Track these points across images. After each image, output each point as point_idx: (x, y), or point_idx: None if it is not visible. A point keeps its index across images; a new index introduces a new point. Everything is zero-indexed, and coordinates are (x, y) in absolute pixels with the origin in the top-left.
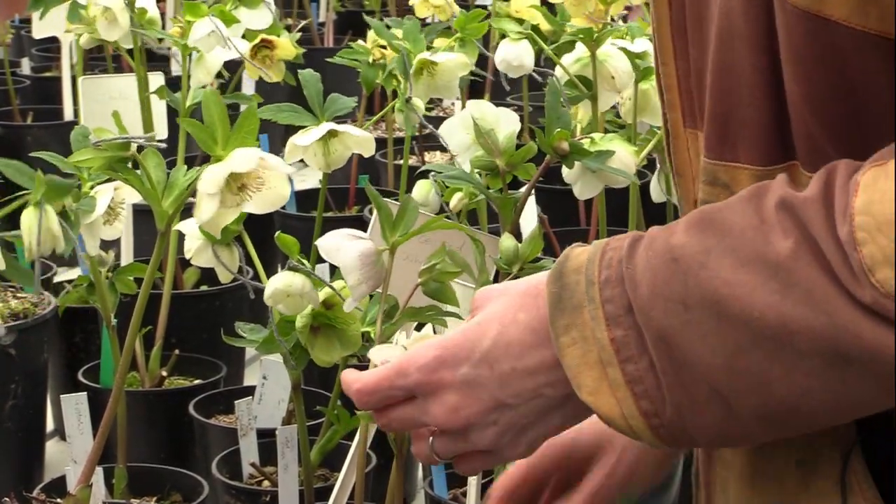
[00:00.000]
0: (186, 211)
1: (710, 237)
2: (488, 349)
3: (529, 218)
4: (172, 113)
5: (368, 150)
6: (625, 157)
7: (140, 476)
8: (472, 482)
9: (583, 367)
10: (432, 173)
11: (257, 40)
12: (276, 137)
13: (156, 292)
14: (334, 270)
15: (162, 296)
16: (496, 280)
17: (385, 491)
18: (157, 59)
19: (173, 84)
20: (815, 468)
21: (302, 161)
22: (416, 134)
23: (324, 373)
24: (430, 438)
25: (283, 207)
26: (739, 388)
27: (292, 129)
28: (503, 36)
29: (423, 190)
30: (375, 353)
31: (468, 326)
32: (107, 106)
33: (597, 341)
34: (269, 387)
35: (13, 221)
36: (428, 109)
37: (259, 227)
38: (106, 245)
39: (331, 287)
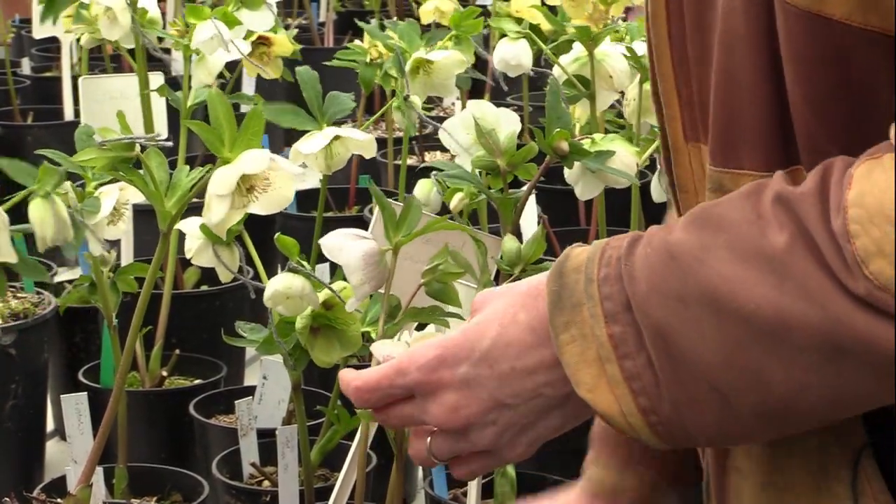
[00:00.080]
0: (189, 211)
1: (707, 233)
2: (488, 349)
3: (530, 218)
4: (172, 113)
5: (370, 152)
6: (626, 157)
7: (140, 476)
8: (473, 482)
9: (581, 365)
10: (434, 172)
11: (254, 37)
12: (276, 137)
13: (156, 292)
14: (334, 271)
15: (162, 295)
16: (497, 279)
17: (385, 491)
18: (157, 59)
19: (173, 84)
20: (827, 473)
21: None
22: (416, 133)
23: (324, 373)
24: (429, 439)
25: (284, 207)
26: (737, 385)
27: (293, 129)
28: (503, 36)
29: (424, 189)
30: (377, 349)
31: (468, 326)
32: (107, 106)
33: (595, 338)
34: (269, 387)
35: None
36: (428, 109)
37: (259, 227)
38: (107, 245)
39: (330, 289)
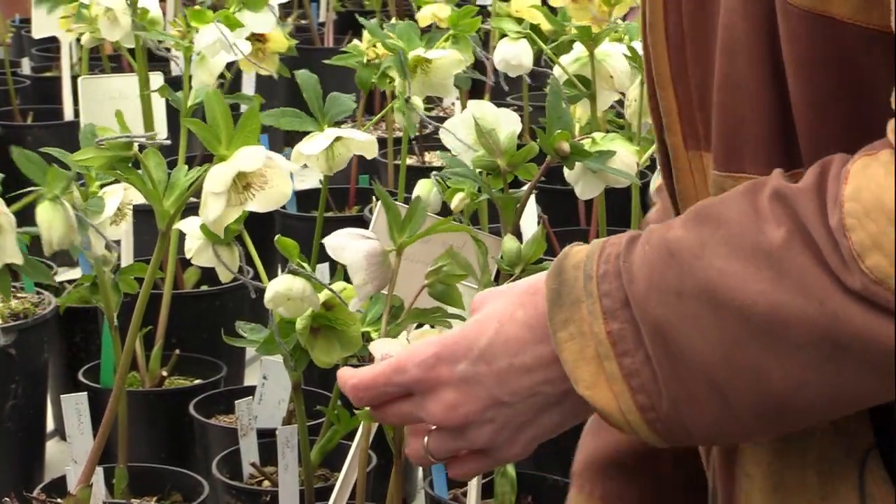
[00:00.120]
0: (187, 210)
1: (705, 230)
2: (486, 346)
3: (530, 218)
4: (172, 113)
5: (371, 153)
6: (626, 157)
7: (140, 476)
8: (473, 482)
9: (580, 362)
10: (434, 172)
11: (244, 33)
12: (276, 137)
13: (156, 292)
14: (334, 272)
15: (162, 296)
16: (497, 280)
17: (385, 491)
18: (157, 59)
19: (173, 84)
20: (835, 476)
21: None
22: (416, 134)
23: (324, 373)
24: (426, 438)
25: (284, 207)
26: (735, 381)
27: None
28: (503, 36)
29: (424, 189)
30: (377, 347)
31: (467, 324)
32: (107, 106)
33: (594, 335)
34: (269, 387)
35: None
36: (428, 109)
37: (259, 227)
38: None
39: (331, 290)
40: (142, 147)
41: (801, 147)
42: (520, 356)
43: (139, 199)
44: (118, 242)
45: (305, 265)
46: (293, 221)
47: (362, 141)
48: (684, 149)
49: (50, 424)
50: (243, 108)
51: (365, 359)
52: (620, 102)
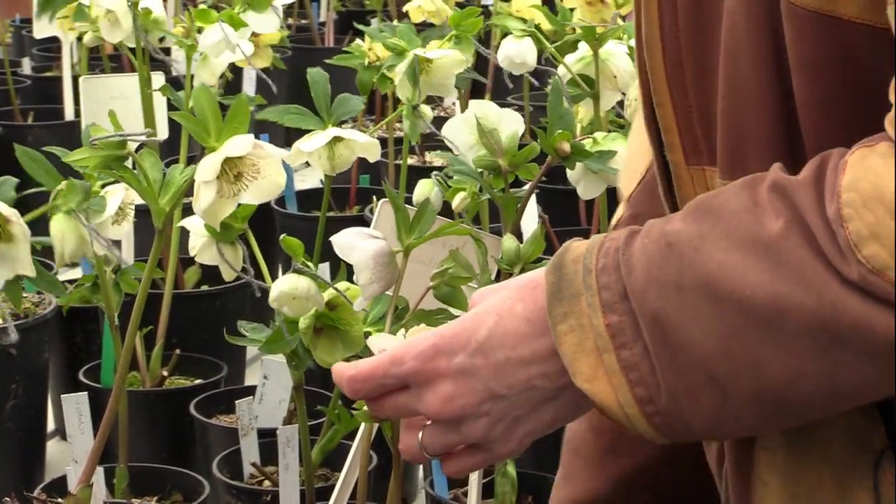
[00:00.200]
0: (189, 210)
1: (704, 222)
2: (484, 339)
3: (530, 218)
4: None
5: (374, 155)
6: None
7: (141, 476)
8: (473, 482)
9: (579, 355)
10: (434, 172)
11: (249, 33)
12: (276, 136)
13: (157, 292)
14: (336, 272)
15: (163, 295)
16: (498, 279)
17: (386, 491)
18: (158, 59)
19: (173, 84)
20: (850, 480)
21: (304, 161)
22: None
23: (325, 373)
24: (420, 433)
25: (284, 207)
26: (734, 373)
27: (293, 129)
28: (504, 35)
29: (425, 189)
30: (374, 342)
31: (466, 317)
32: (107, 106)
33: (593, 328)
34: (269, 386)
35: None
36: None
37: (260, 227)
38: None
39: (336, 289)
40: (140, 146)
41: (806, 148)
42: (518, 349)
43: (139, 198)
44: (116, 242)
45: (310, 264)
46: (294, 221)
47: (363, 143)
48: (686, 165)
49: (50, 424)
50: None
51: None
52: (621, 103)
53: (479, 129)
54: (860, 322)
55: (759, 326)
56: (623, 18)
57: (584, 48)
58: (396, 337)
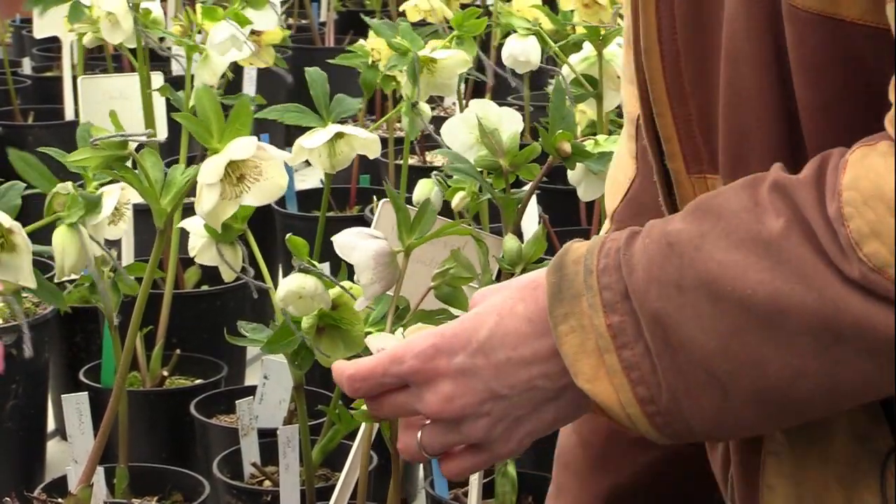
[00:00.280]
0: (189, 209)
1: (705, 222)
2: (485, 339)
3: (531, 218)
4: (173, 112)
5: (374, 152)
6: None
7: (141, 476)
8: (474, 482)
9: (581, 355)
10: (434, 172)
11: (247, 30)
12: (276, 136)
13: (157, 292)
14: (337, 271)
15: (163, 295)
16: (498, 279)
17: (387, 491)
18: (157, 59)
19: (173, 84)
20: (857, 483)
21: (304, 161)
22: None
23: (325, 373)
24: (419, 432)
25: (285, 207)
26: (735, 372)
27: (293, 128)
28: (504, 36)
29: (425, 189)
30: (372, 341)
31: (466, 317)
32: (107, 106)
33: (594, 328)
34: (270, 386)
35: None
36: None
37: (260, 227)
38: (107, 245)
39: (343, 288)
40: (140, 146)
41: (808, 151)
42: (519, 349)
43: (137, 198)
44: (116, 242)
45: (316, 264)
46: (294, 221)
47: (365, 139)
48: (687, 173)
49: (51, 424)
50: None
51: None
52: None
53: (480, 129)
54: (861, 320)
55: (759, 325)
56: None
57: (587, 48)
58: (396, 336)
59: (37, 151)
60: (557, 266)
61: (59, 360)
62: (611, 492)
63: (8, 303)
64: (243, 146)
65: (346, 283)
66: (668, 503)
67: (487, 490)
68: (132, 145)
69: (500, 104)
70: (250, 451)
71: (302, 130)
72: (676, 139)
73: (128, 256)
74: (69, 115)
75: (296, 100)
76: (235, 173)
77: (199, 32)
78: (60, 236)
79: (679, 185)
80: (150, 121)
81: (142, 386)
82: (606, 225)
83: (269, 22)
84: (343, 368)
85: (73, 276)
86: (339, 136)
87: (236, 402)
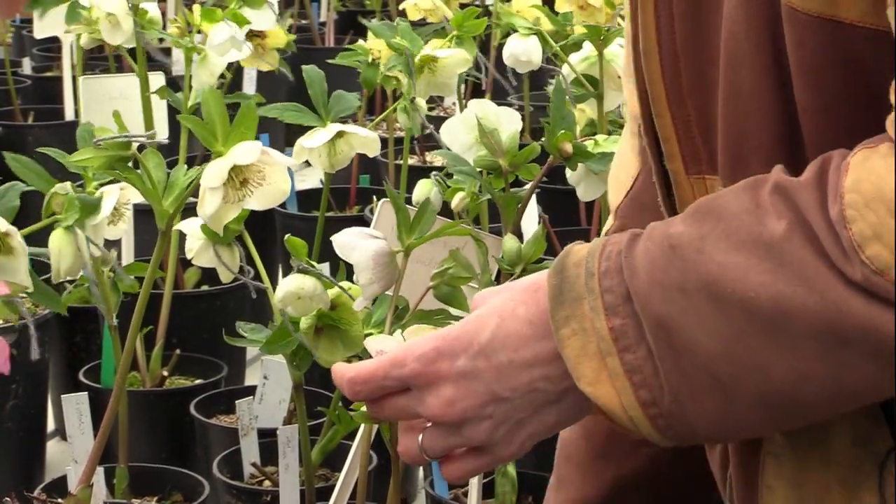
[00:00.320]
0: (188, 210)
1: (706, 224)
2: (487, 342)
3: (531, 218)
4: (173, 113)
5: (374, 151)
6: None
7: (141, 476)
8: (474, 482)
9: (582, 358)
10: (434, 172)
11: (245, 30)
12: (276, 136)
13: (157, 292)
14: (335, 272)
15: (163, 296)
16: (498, 279)
17: (386, 491)
18: (157, 59)
19: (173, 84)
20: (857, 483)
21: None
22: (419, 134)
23: (325, 373)
24: (420, 435)
25: (285, 207)
26: (738, 374)
27: (293, 128)
28: (504, 36)
29: (425, 189)
30: (371, 343)
31: (468, 319)
32: (107, 106)
33: (596, 332)
34: (270, 387)
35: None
36: (429, 109)
37: (259, 227)
38: (107, 245)
39: (341, 288)
40: (141, 147)
41: (808, 153)
42: (520, 352)
43: (136, 198)
44: (116, 242)
45: (315, 264)
46: (294, 221)
47: (365, 137)
48: (685, 174)
49: (51, 424)
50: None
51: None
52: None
53: (479, 129)
54: (865, 323)
55: (762, 328)
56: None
57: (588, 48)
58: (395, 338)
59: (37, 152)
60: (558, 269)
61: (59, 360)
62: (613, 483)
63: (14, 304)
64: (247, 151)
65: (346, 284)
66: (668, 501)
67: (487, 490)
68: (134, 146)
69: (500, 104)
70: (250, 451)
71: (303, 130)
72: (675, 140)
73: (128, 256)
74: (69, 115)
75: (296, 99)
76: (239, 177)
77: (199, 32)
78: (57, 239)
79: (678, 186)
80: (149, 121)
81: (142, 386)
82: (610, 220)
83: (267, 21)
84: (343, 371)
85: (73, 277)
86: (339, 134)
87: (236, 402)
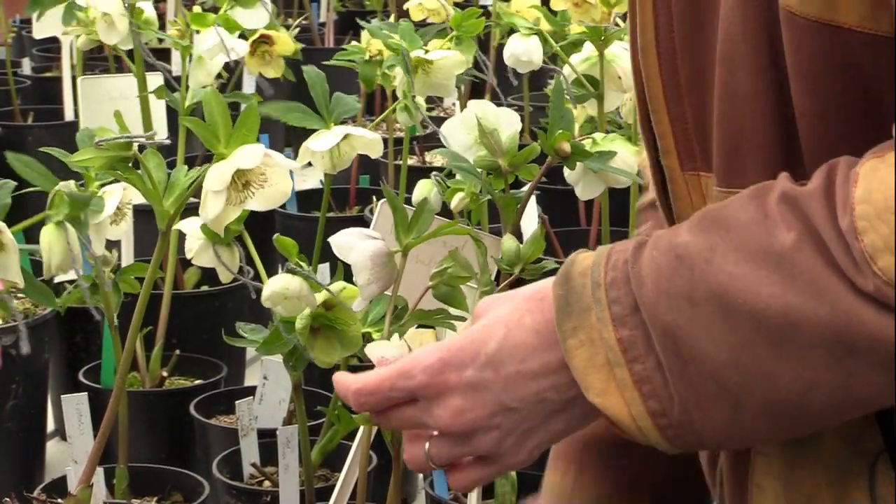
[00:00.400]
0: (187, 210)
1: (714, 234)
2: (494, 352)
3: (530, 218)
4: (172, 113)
5: (376, 152)
6: (626, 157)
7: (141, 476)
8: None
9: (590, 370)
10: (433, 172)
11: (256, 36)
12: (276, 136)
13: (156, 292)
14: (335, 271)
15: (162, 296)
16: (497, 280)
17: (386, 491)
18: (158, 59)
19: (175, 84)
20: (847, 483)
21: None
22: (417, 133)
23: (324, 373)
24: (427, 443)
25: (284, 207)
26: (746, 384)
27: (293, 128)
28: (505, 36)
29: (424, 189)
30: (372, 350)
31: (473, 329)
32: (106, 106)
33: (604, 342)
34: (269, 387)
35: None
36: (428, 109)
37: (259, 227)
38: (107, 245)
39: (327, 290)
40: (142, 147)
41: (805, 157)
42: (527, 362)
43: (138, 198)
44: (116, 242)
45: (304, 265)
46: (294, 221)
47: (369, 139)
48: (681, 170)
49: (50, 425)
50: (243, 107)
51: (364, 359)
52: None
53: (479, 129)
54: (875, 333)
55: (771, 338)
56: (624, 18)
57: (588, 48)
58: (395, 344)
59: (37, 152)
60: (564, 278)
61: (58, 360)
62: (632, 470)
63: (5, 301)
64: (251, 154)
65: (339, 285)
66: (668, 501)
67: (487, 490)
68: (135, 146)
69: (500, 104)
70: (250, 452)
71: (303, 130)
72: (671, 136)
73: (128, 257)
74: (69, 115)
75: (296, 98)
76: (241, 180)
77: (198, 32)
78: (47, 235)
79: (672, 182)
80: (147, 121)
81: (141, 386)
82: (647, 195)
83: (260, 20)
84: (348, 383)
85: (73, 277)
86: (343, 137)
87: (236, 402)
